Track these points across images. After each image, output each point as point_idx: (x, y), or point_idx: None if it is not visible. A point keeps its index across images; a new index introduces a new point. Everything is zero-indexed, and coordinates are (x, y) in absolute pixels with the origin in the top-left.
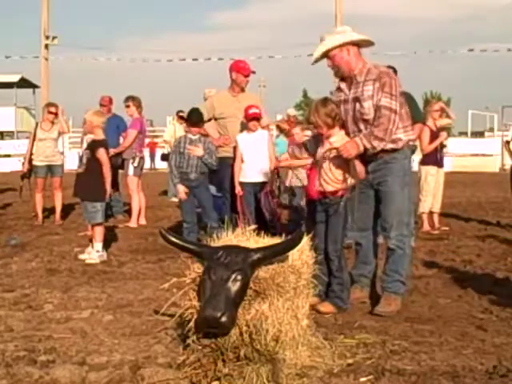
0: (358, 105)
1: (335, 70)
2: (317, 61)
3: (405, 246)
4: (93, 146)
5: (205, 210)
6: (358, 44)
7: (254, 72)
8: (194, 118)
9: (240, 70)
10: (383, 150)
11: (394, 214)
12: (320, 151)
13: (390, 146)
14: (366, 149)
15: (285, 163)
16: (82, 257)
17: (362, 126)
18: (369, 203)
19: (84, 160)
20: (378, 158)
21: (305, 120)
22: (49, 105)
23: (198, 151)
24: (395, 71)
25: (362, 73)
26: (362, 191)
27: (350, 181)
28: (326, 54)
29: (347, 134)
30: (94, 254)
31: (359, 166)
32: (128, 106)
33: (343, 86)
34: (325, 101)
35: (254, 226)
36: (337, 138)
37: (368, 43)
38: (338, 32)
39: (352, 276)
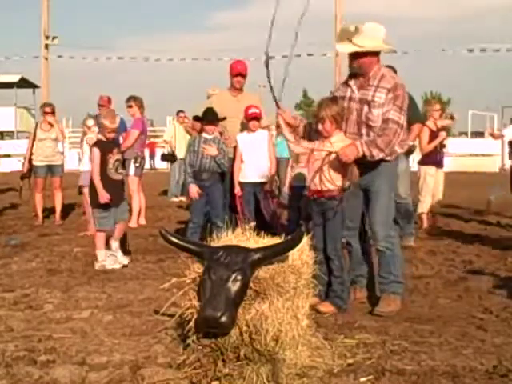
0: (366, 108)
1: (355, 67)
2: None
3: (393, 247)
4: (121, 147)
5: (215, 209)
6: None
7: (244, 70)
8: (210, 117)
9: (231, 70)
10: (372, 155)
11: (382, 214)
12: (317, 150)
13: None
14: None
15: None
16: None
17: (363, 130)
18: (357, 202)
19: (126, 166)
20: (369, 161)
21: (311, 115)
22: (44, 105)
23: (212, 150)
24: (395, 71)
25: (376, 76)
26: (350, 191)
27: (346, 182)
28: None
29: (345, 132)
30: (120, 253)
31: (355, 169)
32: (130, 107)
33: (352, 83)
34: (335, 99)
35: (252, 223)
36: (337, 138)
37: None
38: (379, 35)
39: (350, 277)
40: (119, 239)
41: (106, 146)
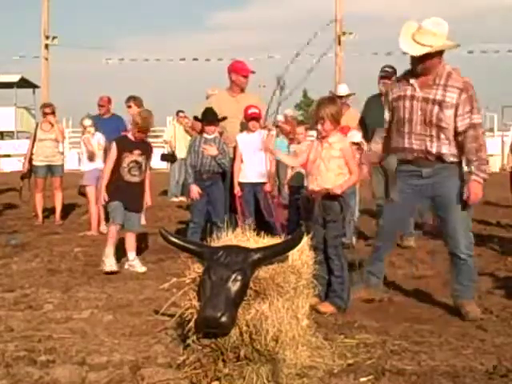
0: (436, 109)
1: (420, 67)
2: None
3: (472, 253)
4: (149, 150)
5: (215, 209)
6: None
7: (253, 72)
8: (209, 117)
9: (239, 71)
10: (442, 158)
11: (462, 221)
12: (316, 151)
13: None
14: (410, 150)
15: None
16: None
17: (433, 132)
18: (410, 212)
19: (143, 167)
20: (435, 164)
21: (310, 115)
22: (44, 106)
23: (212, 150)
24: (395, 72)
25: (442, 75)
26: (407, 199)
27: (347, 181)
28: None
29: (410, 133)
30: (137, 262)
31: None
32: (130, 107)
33: (413, 81)
34: (334, 99)
35: (251, 221)
36: (335, 139)
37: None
38: (444, 32)
39: (362, 273)
40: (133, 249)
41: (126, 144)
